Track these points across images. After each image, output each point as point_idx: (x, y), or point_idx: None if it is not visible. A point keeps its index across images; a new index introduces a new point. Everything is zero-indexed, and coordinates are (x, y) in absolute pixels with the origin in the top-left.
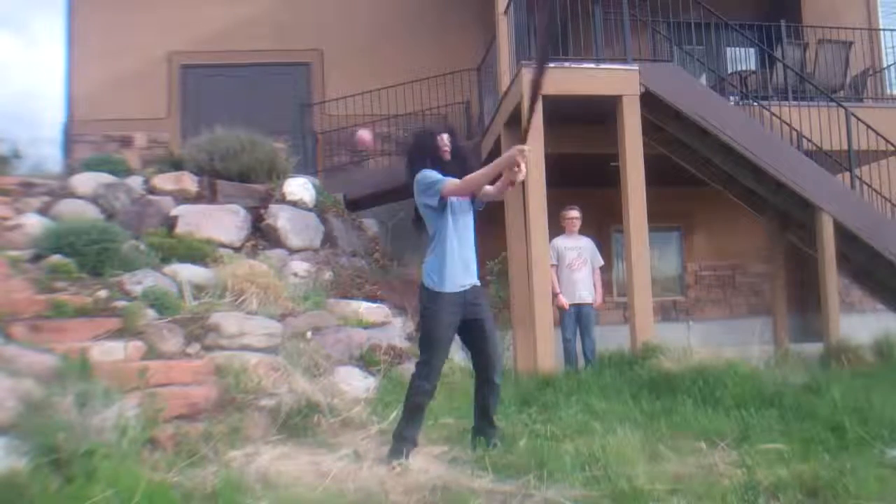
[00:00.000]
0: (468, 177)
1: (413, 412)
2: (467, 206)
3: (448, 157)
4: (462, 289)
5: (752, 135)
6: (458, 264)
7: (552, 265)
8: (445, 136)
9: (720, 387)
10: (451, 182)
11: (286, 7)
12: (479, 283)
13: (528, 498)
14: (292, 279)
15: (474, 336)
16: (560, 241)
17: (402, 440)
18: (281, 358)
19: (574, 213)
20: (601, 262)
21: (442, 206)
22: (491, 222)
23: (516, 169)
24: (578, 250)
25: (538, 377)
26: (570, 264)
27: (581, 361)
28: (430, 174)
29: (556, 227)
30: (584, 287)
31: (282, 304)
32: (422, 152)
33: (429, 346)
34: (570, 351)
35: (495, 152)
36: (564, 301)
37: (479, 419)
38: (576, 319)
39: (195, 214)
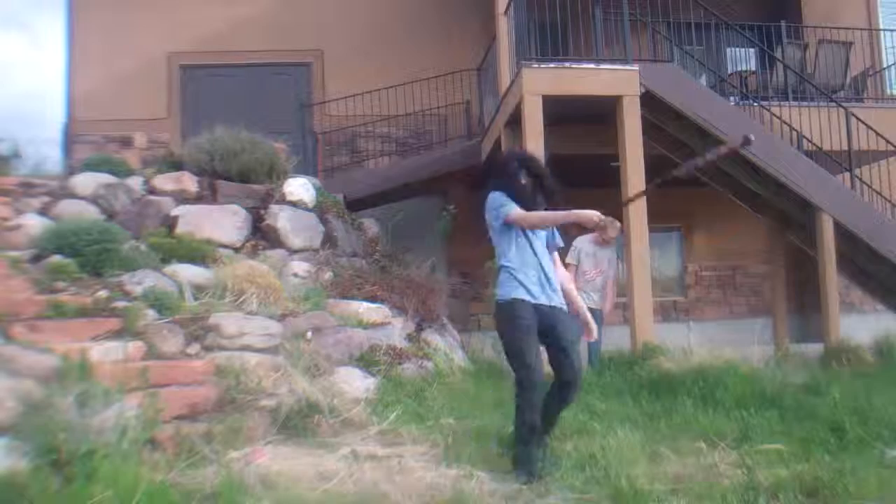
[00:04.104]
0: (533, 214)
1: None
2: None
3: (521, 184)
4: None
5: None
6: (524, 277)
7: (571, 265)
8: (523, 173)
9: (720, 387)
10: (517, 213)
11: (286, 7)
12: (558, 305)
13: (528, 498)
14: (292, 279)
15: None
16: (582, 244)
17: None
18: (281, 358)
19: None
20: (617, 275)
21: (506, 227)
22: None
23: (602, 228)
24: (596, 260)
25: None
26: (585, 271)
27: (583, 362)
28: (495, 200)
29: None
30: (595, 292)
31: (282, 304)
32: (499, 174)
33: (513, 357)
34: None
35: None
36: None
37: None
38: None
39: (195, 215)
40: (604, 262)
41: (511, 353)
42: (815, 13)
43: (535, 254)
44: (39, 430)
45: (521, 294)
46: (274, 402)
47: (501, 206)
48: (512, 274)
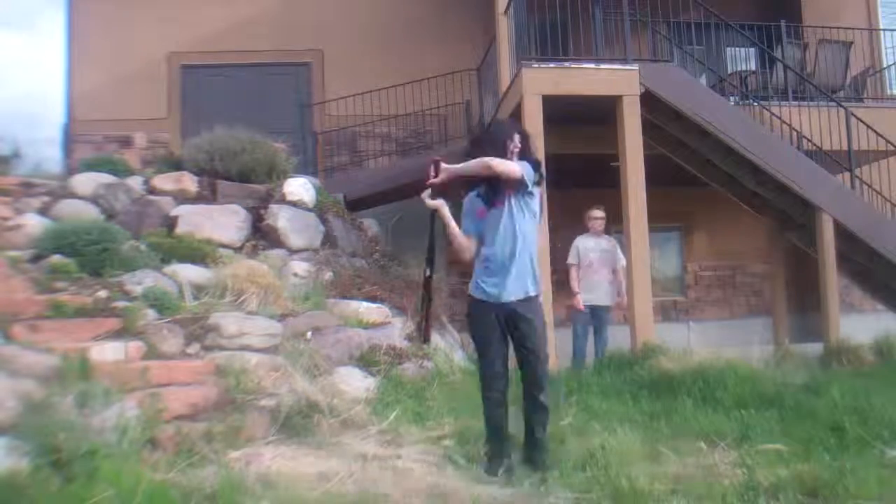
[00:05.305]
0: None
1: (486, 424)
2: (497, 212)
3: (515, 158)
4: (487, 298)
5: (752, 135)
6: (494, 270)
7: (573, 265)
8: (517, 138)
9: (720, 387)
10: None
11: (286, 7)
12: (525, 296)
13: (529, 499)
14: (292, 279)
15: (515, 346)
16: (582, 242)
17: (487, 455)
18: (281, 358)
19: (599, 214)
20: (623, 262)
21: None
22: None
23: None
24: (600, 252)
25: None
26: (589, 265)
27: (590, 360)
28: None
29: (557, 226)
30: (602, 289)
31: (282, 304)
32: (489, 145)
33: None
34: (579, 348)
35: None
36: (580, 302)
37: (525, 434)
38: (590, 319)
39: (195, 214)
40: (606, 253)
41: (475, 345)
42: (815, 13)
43: (499, 238)
44: (39, 430)
45: (476, 293)
46: (274, 401)
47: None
48: (487, 266)
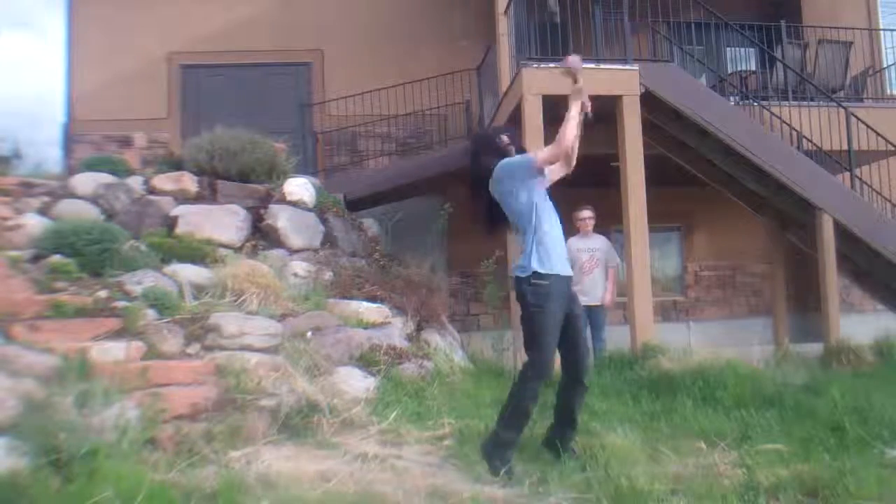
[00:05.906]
0: (561, 138)
1: (516, 416)
2: (545, 194)
3: (514, 153)
4: (564, 272)
5: (752, 135)
6: (558, 250)
7: None
8: (505, 137)
9: (720, 387)
10: (543, 150)
11: (286, 7)
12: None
13: (529, 499)
14: (292, 279)
15: (567, 331)
16: (573, 243)
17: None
18: (281, 358)
19: (586, 214)
20: (617, 262)
21: (537, 182)
22: None
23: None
24: (591, 252)
25: None
26: (581, 266)
27: (589, 360)
28: (513, 159)
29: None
30: (595, 289)
31: (282, 304)
32: (489, 151)
33: (536, 341)
34: None
35: None
36: None
37: (559, 419)
38: (586, 320)
39: (195, 214)
40: (598, 252)
41: (540, 331)
42: (815, 13)
43: (556, 219)
44: (39, 430)
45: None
46: (274, 401)
47: (520, 162)
48: (552, 244)
